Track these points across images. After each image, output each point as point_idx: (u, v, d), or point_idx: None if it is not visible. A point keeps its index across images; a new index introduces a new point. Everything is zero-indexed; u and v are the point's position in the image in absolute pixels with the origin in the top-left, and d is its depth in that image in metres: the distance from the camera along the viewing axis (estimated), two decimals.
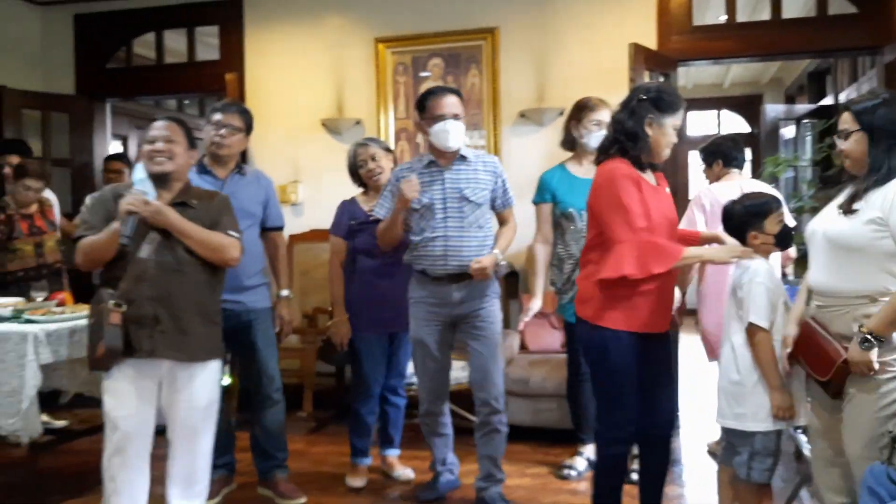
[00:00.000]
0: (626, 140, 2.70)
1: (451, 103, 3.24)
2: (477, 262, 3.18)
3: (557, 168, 3.76)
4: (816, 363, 2.43)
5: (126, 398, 2.75)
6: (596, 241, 2.73)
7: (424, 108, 3.28)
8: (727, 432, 2.73)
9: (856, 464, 2.32)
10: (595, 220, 2.73)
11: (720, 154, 4.03)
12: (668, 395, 2.87)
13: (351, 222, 3.63)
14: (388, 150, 3.75)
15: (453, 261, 3.22)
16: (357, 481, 3.69)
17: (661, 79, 4.79)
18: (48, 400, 4.05)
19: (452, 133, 3.21)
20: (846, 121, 2.42)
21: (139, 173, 2.78)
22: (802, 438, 3.33)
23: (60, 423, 4.53)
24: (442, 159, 3.29)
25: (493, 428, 3.30)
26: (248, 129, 3.47)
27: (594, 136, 3.54)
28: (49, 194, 4.70)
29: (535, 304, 3.64)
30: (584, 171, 3.63)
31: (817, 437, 2.59)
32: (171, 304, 2.72)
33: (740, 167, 4.04)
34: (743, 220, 2.71)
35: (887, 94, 2.40)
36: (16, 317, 3.32)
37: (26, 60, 5.90)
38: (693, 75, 8.37)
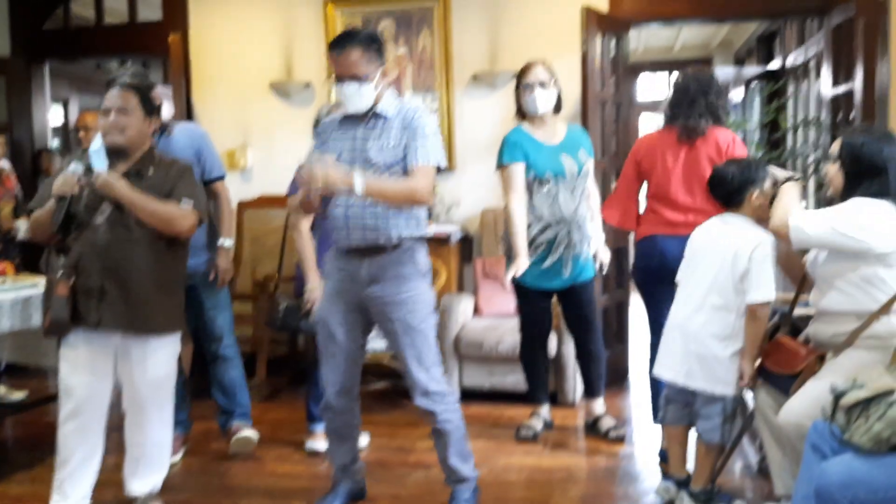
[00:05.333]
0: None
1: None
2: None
3: (520, 130, 3.64)
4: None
5: (80, 367, 2.73)
6: None
7: None
8: (688, 394, 2.80)
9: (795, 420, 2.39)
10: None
11: None
12: None
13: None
14: None
15: (356, 233, 2.75)
16: (317, 444, 3.63)
17: (613, 41, 4.79)
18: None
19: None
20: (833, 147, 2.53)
21: (96, 143, 2.74)
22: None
23: (18, 396, 4.41)
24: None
25: None
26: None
27: (531, 99, 3.58)
28: (6, 164, 4.67)
29: (523, 262, 3.46)
30: (544, 135, 3.62)
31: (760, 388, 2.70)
32: (119, 275, 2.68)
33: None
34: (744, 179, 2.68)
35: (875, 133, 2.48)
36: None
37: None
38: (644, 39, 8.39)
